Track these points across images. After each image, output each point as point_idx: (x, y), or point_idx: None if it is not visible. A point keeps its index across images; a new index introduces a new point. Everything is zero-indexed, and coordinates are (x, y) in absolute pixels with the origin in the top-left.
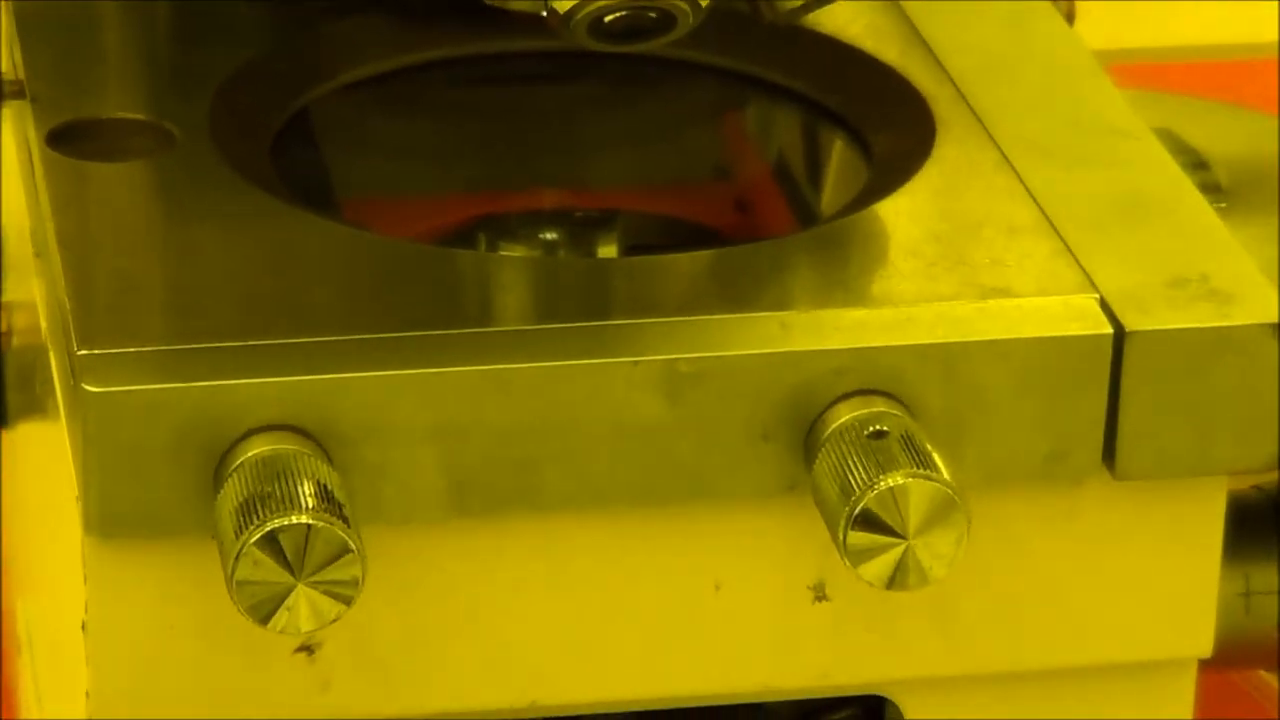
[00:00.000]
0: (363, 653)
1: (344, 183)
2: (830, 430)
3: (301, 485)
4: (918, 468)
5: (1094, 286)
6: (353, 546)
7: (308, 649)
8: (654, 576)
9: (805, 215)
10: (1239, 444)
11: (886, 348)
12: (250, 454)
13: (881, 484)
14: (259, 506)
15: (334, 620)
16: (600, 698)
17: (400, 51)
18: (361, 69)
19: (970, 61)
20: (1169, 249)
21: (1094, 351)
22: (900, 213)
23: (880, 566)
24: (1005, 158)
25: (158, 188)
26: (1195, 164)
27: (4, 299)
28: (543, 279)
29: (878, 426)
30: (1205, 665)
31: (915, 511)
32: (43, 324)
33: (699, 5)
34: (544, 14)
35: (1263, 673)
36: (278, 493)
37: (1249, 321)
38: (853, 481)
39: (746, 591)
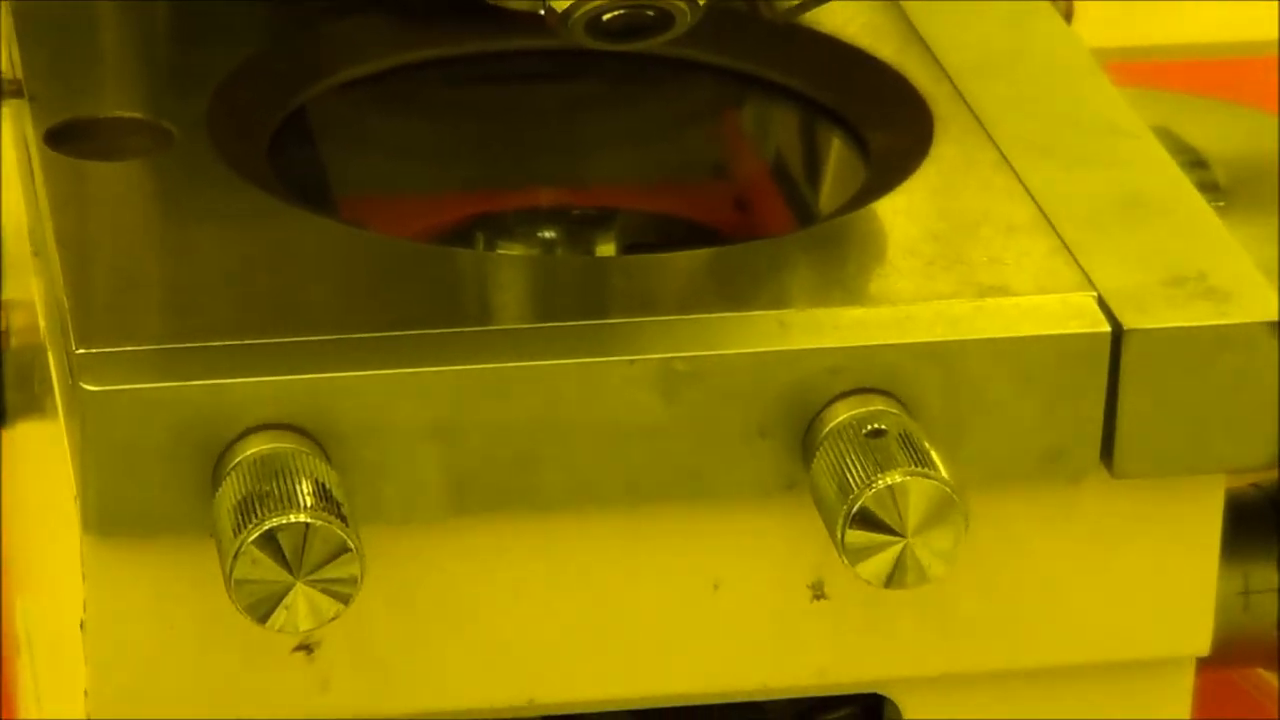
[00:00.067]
0: (361, 651)
1: (342, 181)
2: (828, 429)
3: (300, 484)
4: (916, 466)
5: (1092, 285)
6: (351, 545)
7: (306, 648)
8: (652, 575)
9: (803, 214)
10: (1237, 442)
11: (884, 346)
12: (248, 453)
13: (880, 482)
14: (257, 505)
15: (332, 619)
16: (599, 696)
17: (398, 50)
18: (359, 68)
19: (968, 60)
20: (1167, 247)
21: (1092, 350)
22: (898, 211)
23: (878, 565)
24: (1003, 156)
25: (156, 187)
26: (1193, 162)
27: (3, 298)
28: (540, 278)
29: (876, 425)
30: (1204, 664)
31: (913, 510)
32: (41, 323)
33: (697, 4)
34: (542, 12)
35: (1262, 671)
36: (276, 491)
37: (1247, 320)
38: (851, 480)
39: (745, 590)
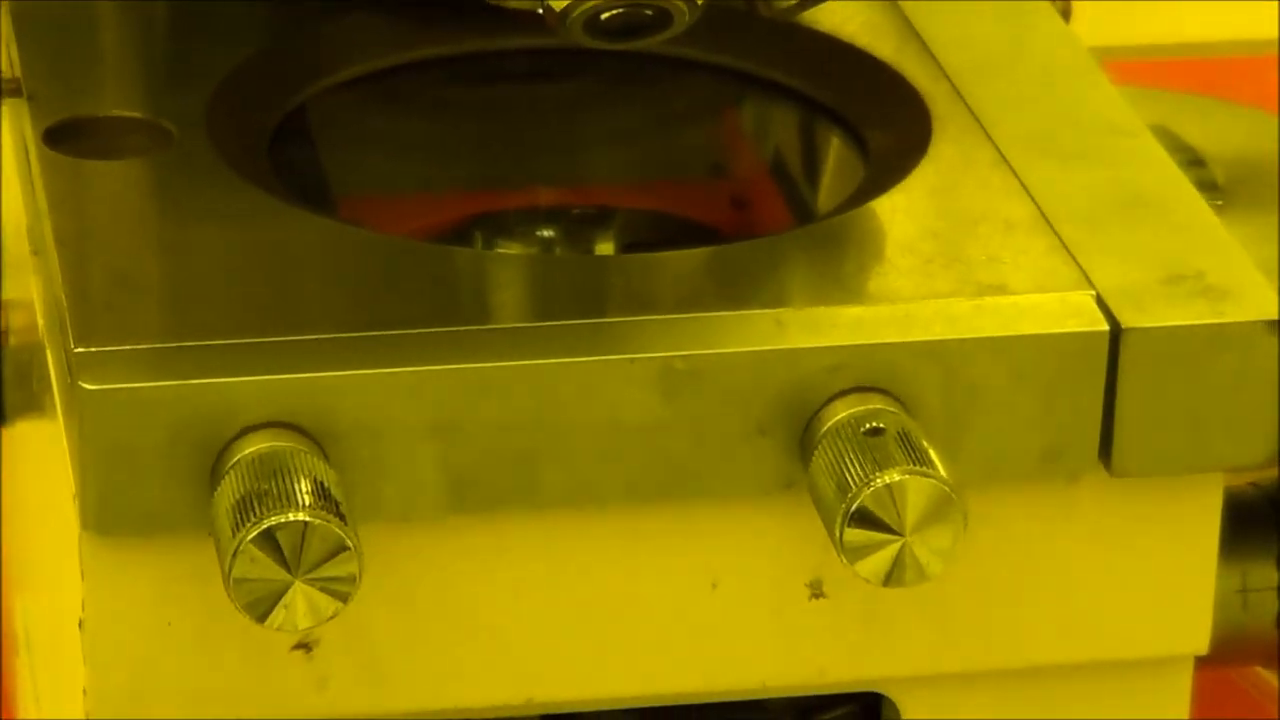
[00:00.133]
0: (360, 650)
1: (341, 180)
2: (827, 427)
3: (298, 483)
4: (914, 465)
5: (1090, 283)
6: (349, 544)
7: (305, 646)
8: (651, 574)
9: (802, 212)
10: (1235, 441)
11: (883, 345)
12: (247, 451)
13: (878, 481)
14: (256, 504)
15: (331, 617)
16: (597, 695)
17: (397, 49)
18: (358, 66)
19: (967, 59)
20: (1165, 246)
21: (1090, 348)
22: (897, 210)
23: (877, 563)
24: (1001, 155)
25: (155, 186)
26: (1192, 161)
27: (2, 297)
28: (539, 277)
29: (874, 423)
30: (1202, 662)
31: (912, 508)
32: (40, 322)
33: (695, 3)
34: (541, 11)
35: (1262, 671)
36: (274, 490)
37: (1245, 318)
38: (849, 478)
39: (743, 589)
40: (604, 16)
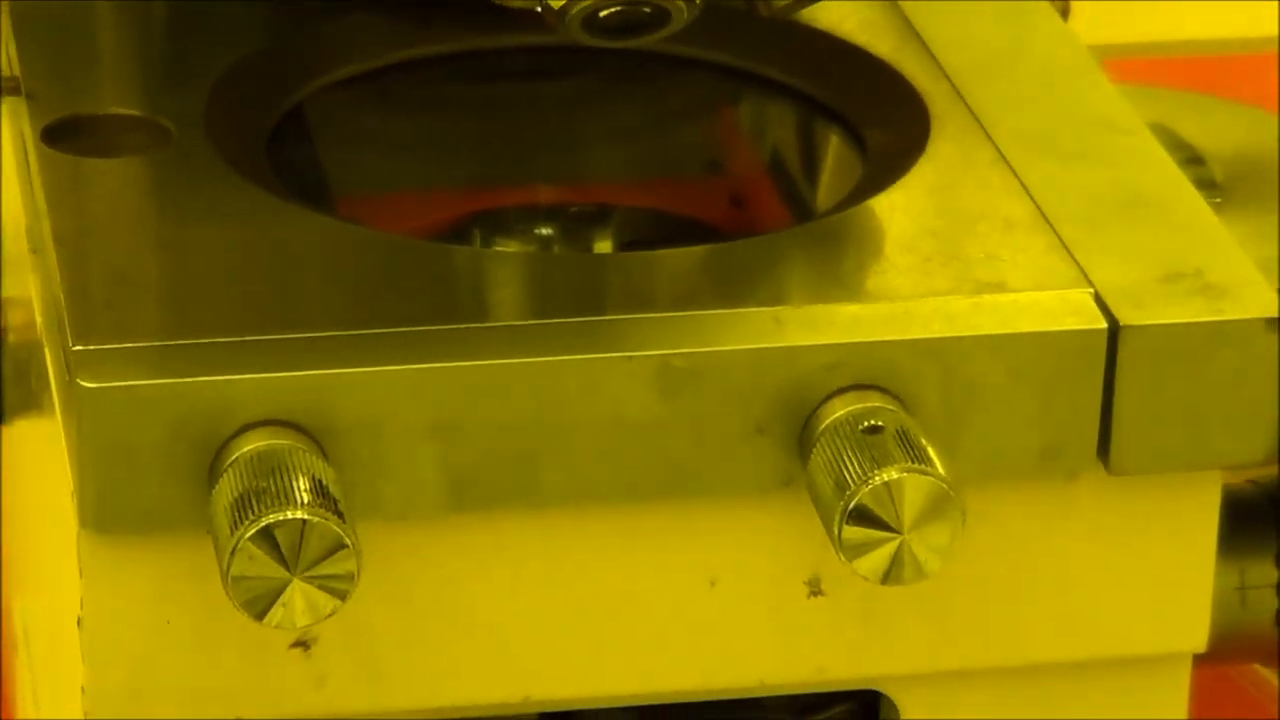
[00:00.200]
0: (358, 648)
1: (339, 178)
2: (825, 425)
3: (297, 480)
4: (912, 462)
5: (1089, 281)
6: (348, 542)
7: (303, 644)
8: (649, 572)
9: (800, 210)
10: (1234, 438)
11: (881, 343)
12: (245, 449)
13: (876, 479)
14: (254, 502)
15: (329, 615)
16: (596, 693)
17: (396, 47)
18: (357, 65)
19: (965, 57)
20: (1164, 244)
21: (1089, 346)
22: (895, 208)
23: (875, 561)
24: (1000, 153)
25: (153, 184)
26: (1190, 159)
27: (1, 295)
28: (538, 274)
29: (872, 421)
30: (1201, 660)
31: (910, 506)
32: (39, 320)
33: (693, 1)
34: (539, 9)
35: (1261, 669)
36: (273, 488)
37: (1243, 316)
38: (848, 476)
39: (742, 586)
40: (602, 14)
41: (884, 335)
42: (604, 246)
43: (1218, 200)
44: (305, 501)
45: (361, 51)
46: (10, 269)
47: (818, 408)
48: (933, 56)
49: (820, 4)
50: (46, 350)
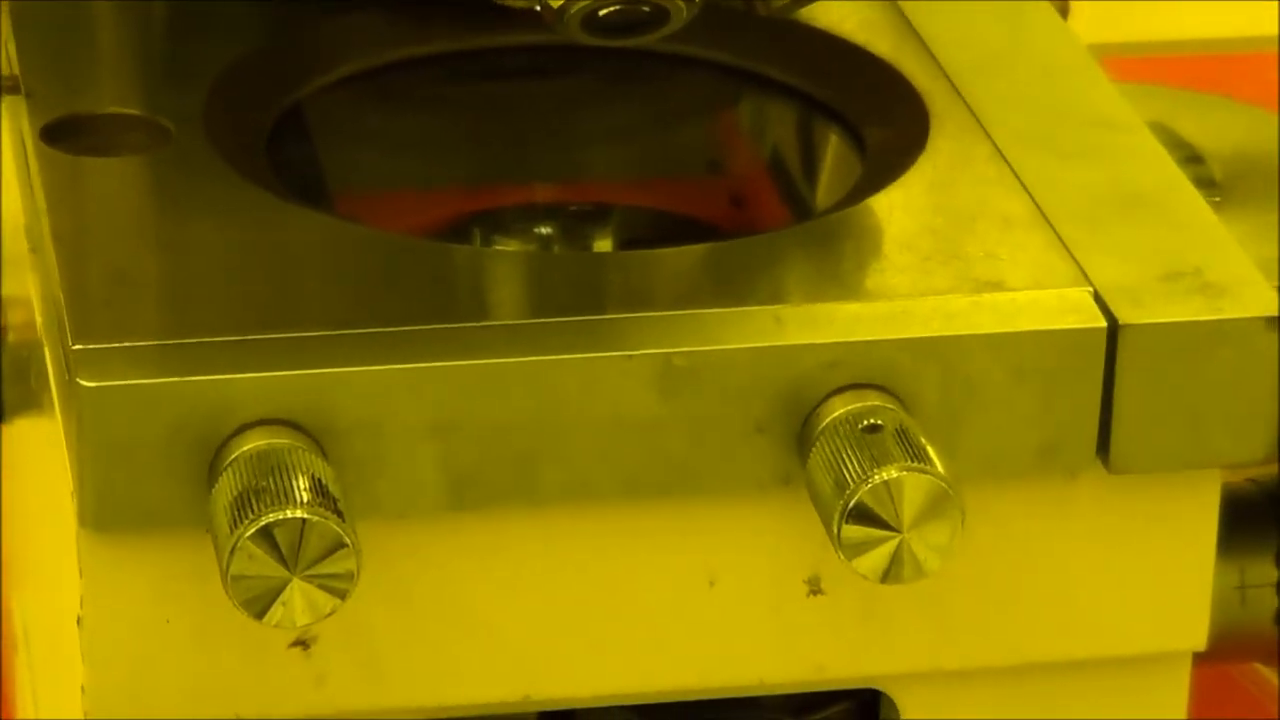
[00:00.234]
0: (358, 647)
1: (339, 178)
2: (824, 424)
3: (296, 480)
4: (912, 461)
5: (1088, 280)
6: (347, 541)
7: (303, 643)
8: (649, 570)
9: (799, 209)
10: (1233, 437)
11: (881, 341)
12: (245, 448)
13: (876, 477)
14: (254, 501)
15: (329, 614)
16: (595, 692)
17: (395, 46)
18: (356, 64)
19: (964, 56)
20: (1163, 242)
21: (1088, 345)
22: (894, 206)
23: (875, 560)
24: (999, 151)
25: (153, 183)
26: (1190, 158)
27: (0, 294)
28: (537, 273)
29: (872, 420)
30: (1201, 658)
31: (909, 505)
32: (38, 319)
33: (692, 0)
34: (538, 9)
35: (1262, 668)
36: (272, 487)
37: (1243, 315)
38: (847, 475)
39: (741, 585)
40: (602, 13)
41: (883, 334)
42: (603, 245)
43: (1217, 199)
44: (305, 501)
45: (361, 50)
46: (10, 268)
47: (817, 406)
48: (932, 55)
49: (819, 3)
50: (46, 349)
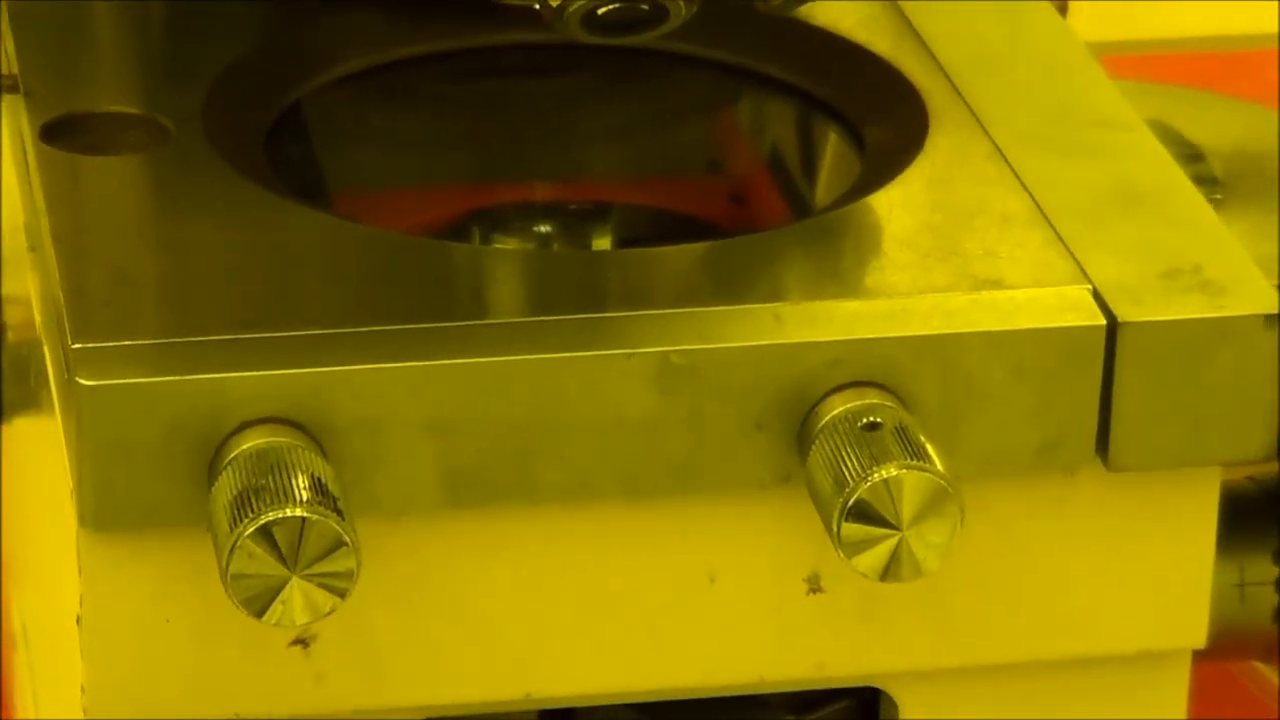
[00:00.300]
0: (357, 645)
1: (338, 176)
2: (824, 422)
3: (296, 478)
4: (911, 459)
5: (1087, 278)
6: (347, 539)
7: (303, 642)
8: (648, 568)
9: (799, 207)
10: (1232, 435)
11: (880, 339)
12: (244, 447)
13: (875, 475)
14: (253, 499)
15: (329, 613)
16: (595, 690)
17: (394, 45)
18: (355, 62)
19: (963, 54)
20: (1162, 240)
21: (1087, 342)
22: (893, 204)
23: (874, 558)
24: (998, 149)
25: (152, 182)
26: (1191, 156)
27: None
28: (536, 272)
29: (871, 418)
30: (1200, 656)
31: (909, 503)
32: (38, 318)
33: None
34: (537, 7)
35: (1262, 667)
36: (272, 486)
37: (1242, 312)
38: (846, 473)
39: (741, 583)
40: (600, 12)
41: (883, 332)
42: (602, 244)
43: (1218, 197)
44: (304, 499)
45: (360, 49)
46: (9, 267)
47: (817, 404)
48: (931, 54)
49: (818, 1)
50: (45, 348)
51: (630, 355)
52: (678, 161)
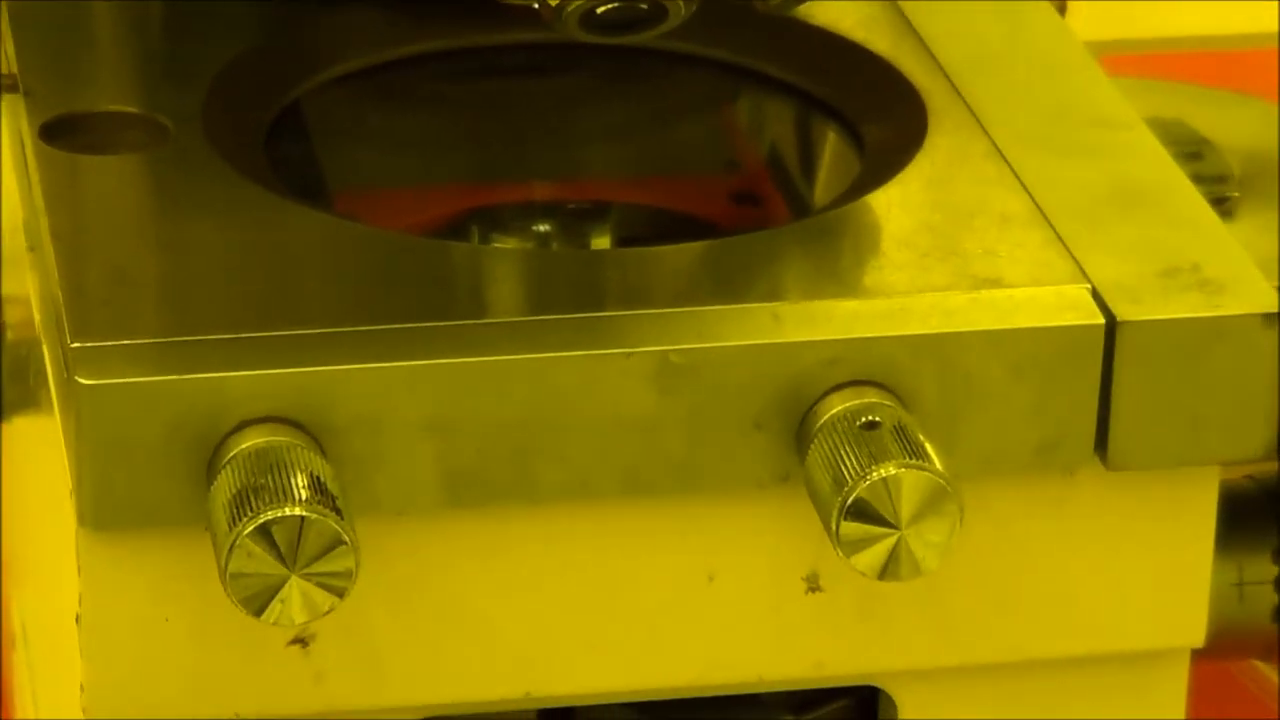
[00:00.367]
0: (356, 645)
1: (337, 175)
2: (823, 421)
3: (295, 477)
4: (910, 458)
5: (1086, 277)
6: (346, 538)
7: (302, 641)
8: (647, 567)
9: (798, 206)
10: (1231, 434)
11: (879, 338)
12: (243, 446)
13: (874, 474)
14: (252, 498)
15: (327, 612)
16: (594, 689)
17: (393, 44)
18: (354, 62)
19: (962, 53)
20: (1161, 239)
21: (1086, 342)
22: (892, 203)
23: (873, 557)
24: (997, 148)
25: (151, 181)
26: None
27: None
28: (535, 271)
29: (870, 417)
30: (1199, 655)
31: (908, 502)
32: (37, 317)
33: None
34: (536, 6)
35: (1262, 667)
36: (271, 485)
37: (1241, 311)
38: (845, 472)
39: (740, 582)
40: (599, 11)
41: (881, 331)
42: (602, 243)
43: (1235, 195)
44: (303, 498)
45: (359, 48)
46: (8, 266)
47: (815, 403)
48: (930, 53)
49: (817, 1)
50: (45, 347)
51: (629, 354)
52: (676, 161)
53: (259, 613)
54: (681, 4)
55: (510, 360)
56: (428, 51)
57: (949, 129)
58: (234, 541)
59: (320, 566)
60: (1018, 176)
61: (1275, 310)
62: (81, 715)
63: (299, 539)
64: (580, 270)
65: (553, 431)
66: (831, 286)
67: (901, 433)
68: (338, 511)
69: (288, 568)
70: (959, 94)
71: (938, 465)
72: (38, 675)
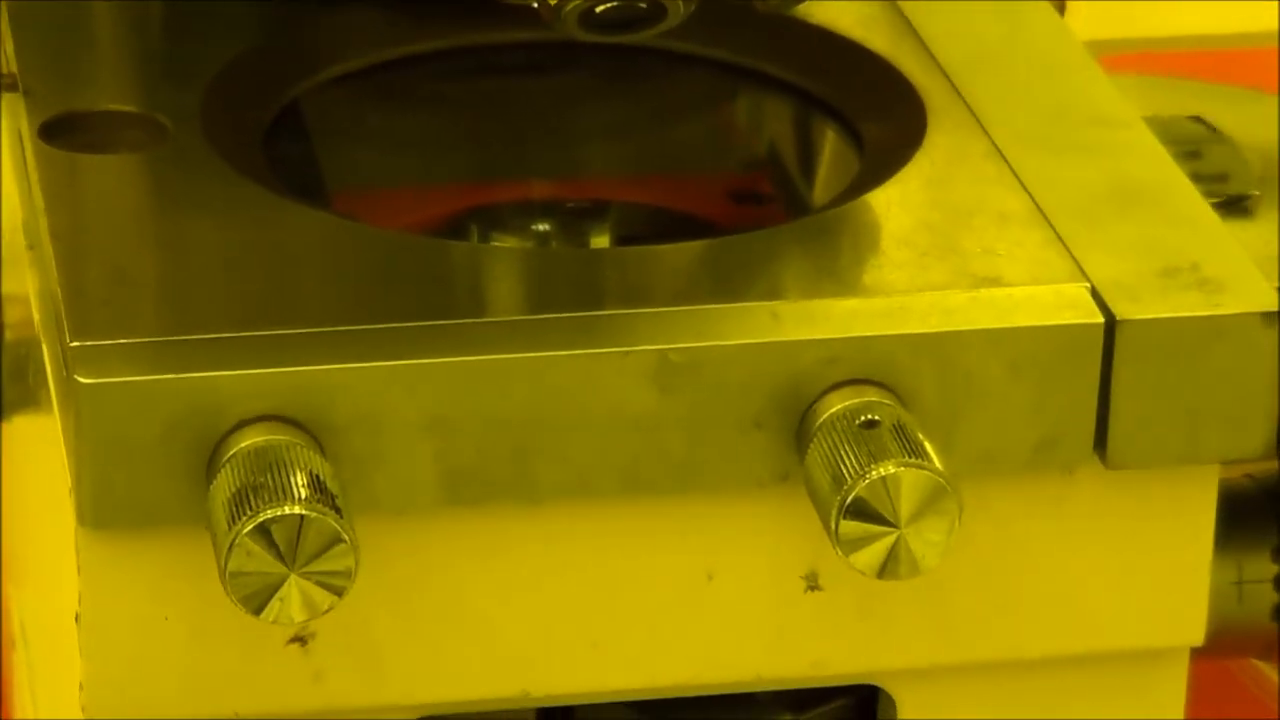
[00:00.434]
0: (356, 643)
1: (336, 174)
2: (822, 420)
3: (294, 476)
4: (909, 457)
5: (1085, 276)
6: (345, 537)
7: (301, 640)
8: (646, 566)
9: (797, 205)
10: (1230, 433)
11: (878, 337)
12: (243, 445)
13: (873, 473)
14: (251, 497)
15: (327, 611)
16: (593, 688)
17: (392, 43)
18: (353, 61)
19: (962, 52)
20: (1160, 238)
21: (1085, 340)
22: (892, 202)
23: (872, 555)
24: (996, 147)
25: (150, 180)
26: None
27: None
28: (535, 270)
29: (869, 416)
30: (1198, 654)
31: (907, 501)
32: (36, 317)
33: None
34: (535, 5)
35: (1262, 666)
36: (270, 484)
37: (1240, 310)
38: (844, 471)
39: (739, 581)
40: (599, 10)
41: (881, 330)
42: (601, 242)
43: (1256, 193)
44: (303, 497)
45: (358, 47)
46: (8, 265)
47: (815, 402)
48: (929, 52)
49: (816, 0)
50: (44, 346)
51: (628, 353)
52: (676, 160)
53: (258, 611)
54: (681, 3)
55: (510, 359)
56: (427, 51)
57: (948, 128)
58: (233, 540)
59: (319, 565)
60: (1017, 175)
61: (1275, 309)
62: (81, 714)
63: (298, 538)
64: (579, 269)
65: (552, 430)
66: (831, 285)
67: (901, 431)
68: (337, 510)
69: (287, 566)
70: (958, 93)
71: (937, 464)
72: (37, 674)
